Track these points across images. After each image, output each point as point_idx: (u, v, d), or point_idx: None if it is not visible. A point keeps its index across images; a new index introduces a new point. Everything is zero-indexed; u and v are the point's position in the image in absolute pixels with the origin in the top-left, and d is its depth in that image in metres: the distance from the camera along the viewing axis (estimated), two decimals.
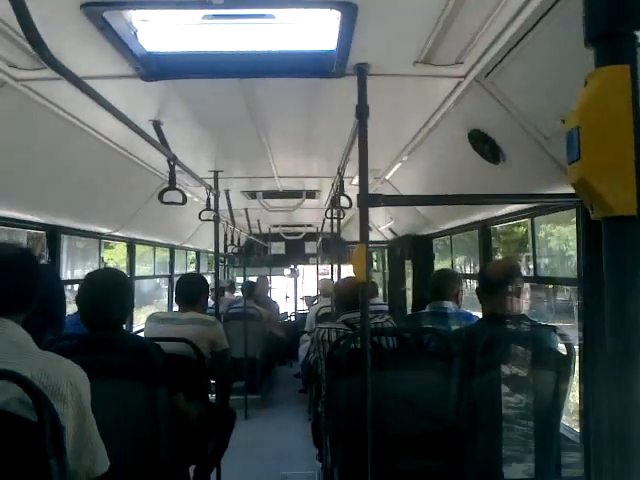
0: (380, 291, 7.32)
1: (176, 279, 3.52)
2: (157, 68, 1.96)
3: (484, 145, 2.46)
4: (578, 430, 2.49)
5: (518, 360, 2.31)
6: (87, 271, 2.81)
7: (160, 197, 2.96)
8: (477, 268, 4.56)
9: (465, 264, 6.78)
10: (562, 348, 2.34)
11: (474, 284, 4.25)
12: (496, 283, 2.46)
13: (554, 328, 2.51)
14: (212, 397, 3.39)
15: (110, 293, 2.26)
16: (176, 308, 3.26)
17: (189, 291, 3.20)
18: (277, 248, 10.25)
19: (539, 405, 2.29)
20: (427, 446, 2.39)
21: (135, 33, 1.74)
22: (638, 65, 0.78)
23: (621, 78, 0.76)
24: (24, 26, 1.34)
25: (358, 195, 1.88)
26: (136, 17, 1.67)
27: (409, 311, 5.33)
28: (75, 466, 1.37)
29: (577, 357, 2.25)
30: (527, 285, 2.56)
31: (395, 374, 2.43)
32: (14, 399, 1.26)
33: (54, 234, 3.53)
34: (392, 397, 2.36)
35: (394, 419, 2.36)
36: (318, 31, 1.81)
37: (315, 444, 3.96)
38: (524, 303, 2.53)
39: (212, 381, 3.41)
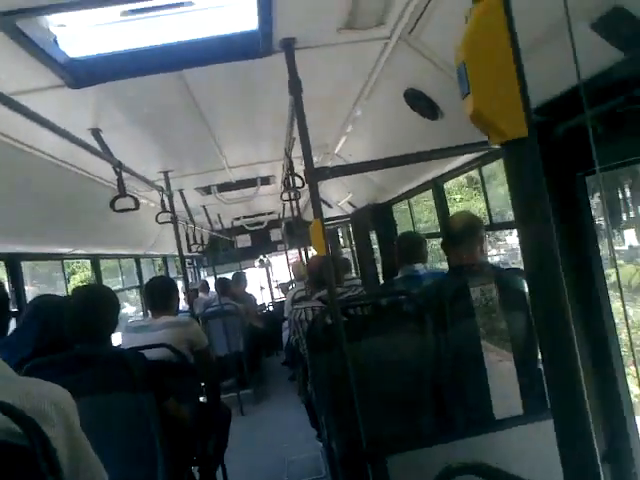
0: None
1: None
2: (84, 74, 1.93)
3: (420, 102, 2.50)
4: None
5: (489, 303, 2.38)
6: None
7: (112, 206, 2.93)
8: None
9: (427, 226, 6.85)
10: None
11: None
12: (460, 234, 2.52)
13: (518, 270, 2.58)
14: (203, 399, 3.39)
15: (96, 306, 2.30)
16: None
17: (160, 295, 3.20)
18: (243, 241, 10.16)
19: (516, 343, 2.36)
20: (415, 403, 2.45)
21: (55, 40, 1.70)
22: None
23: (496, 11, 0.81)
24: None
25: (304, 171, 1.89)
26: (53, 22, 1.64)
27: (381, 281, 5.39)
28: None
29: None
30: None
31: (372, 340, 2.46)
32: (1, 427, 1.25)
33: (14, 262, 3.41)
34: (373, 362, 2.40)
35: (378, 383, 2.38)
36: (239, 12, 1.82)
37: (312, 424, 4.01)
38: (486, 251, 2.61)
39: (202, 383, 3.41)
